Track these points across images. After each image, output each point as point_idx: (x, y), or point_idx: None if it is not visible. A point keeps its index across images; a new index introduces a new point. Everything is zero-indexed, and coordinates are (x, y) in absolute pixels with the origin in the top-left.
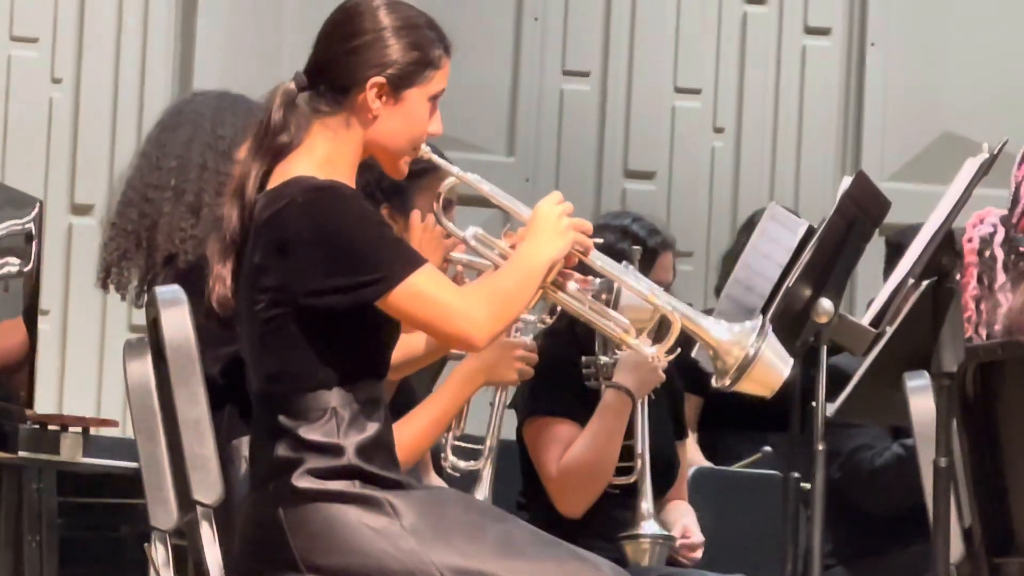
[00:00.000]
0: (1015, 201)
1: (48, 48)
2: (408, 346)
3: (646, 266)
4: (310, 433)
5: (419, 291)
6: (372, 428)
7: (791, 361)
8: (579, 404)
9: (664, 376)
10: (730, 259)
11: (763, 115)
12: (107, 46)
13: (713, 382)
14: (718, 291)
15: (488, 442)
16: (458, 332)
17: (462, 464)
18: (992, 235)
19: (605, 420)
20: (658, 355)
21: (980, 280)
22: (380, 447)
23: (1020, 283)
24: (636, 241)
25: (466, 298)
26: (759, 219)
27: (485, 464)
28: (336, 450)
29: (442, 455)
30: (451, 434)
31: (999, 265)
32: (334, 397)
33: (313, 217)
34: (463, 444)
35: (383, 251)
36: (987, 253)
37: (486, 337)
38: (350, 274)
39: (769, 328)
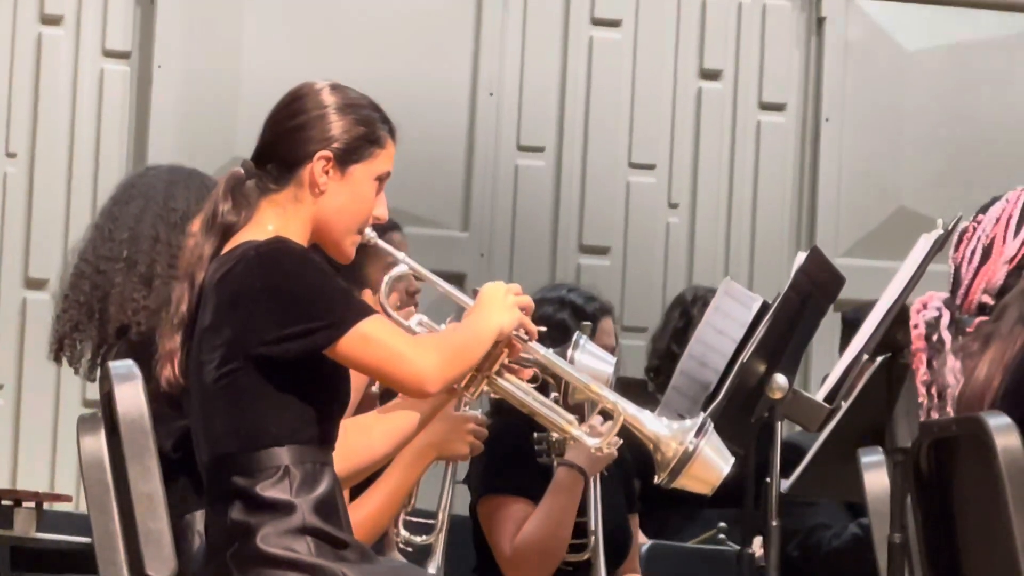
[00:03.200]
0: (956, 283)
1: (3, 123)
2: (364, 452)
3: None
4: (265, 490)
5: (369, 336)
6: (324, 486)
7: (732, 459)
8: (532, 481)
9: (616, 454)
10: (659, 339)
11: (718, 191)
12: (62, 121)
13: (655, 478)
14: (649, 371)
15: (440, 516)
16: (409, 376)
17: (416, 539)
18: (938, 319)
19: (558, 498)
20: (600, 447)
21: (930, 365)
22: (333, 506)
23: (971, 362)
24: (575, 309)
25: (418, 344)
26: (687, 297)
27: (437, 539)
28: (289, 508)
29: (393, 530)
30: (402, 510)
31: (947, 348)
32: (286, 455)
33: (262, 269)
34: (415, 519)
35: (333, 299)
36: (934, 337)
37: (438, 382)
38: (300, 321)
39: (710, 425)
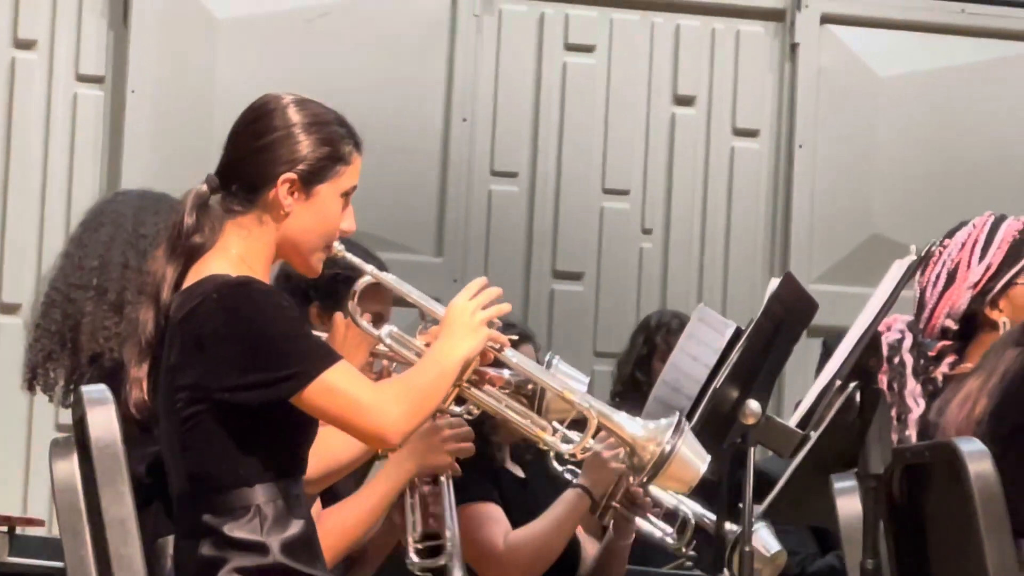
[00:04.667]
0: (921, 306)
1: None
2: (327, 455)
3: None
4: (234, 531)
5: (333, 387)
6: (297, 526)
7: (708, 458)
8: (491, 487)
9: (616, 477)
10: (623, 365)
11: (691, 216)
12: (35, 145)
13: (631, 479)
14: (613, 396)
15: (447, 535)
16: (372, 428)
17: (430, 563)
18: (900, 341)
19: (561, 511)
20: (575, 452)
21: (890, 387)
22: (304, 544)
23: (951, 393)
24: None
25: (380, 394)
26: (651, 323)
27: (451, 559)
28: (261, 548)
29: (406, 560)
30: (410, 537)
31: (908, 371)
32: (258, 494)
33: (228, 313)
34: (423, 544)
35: (298, 347)
36: (896, 360)
37: (400, 433)
38: (265, 370)
39: (686, 424)
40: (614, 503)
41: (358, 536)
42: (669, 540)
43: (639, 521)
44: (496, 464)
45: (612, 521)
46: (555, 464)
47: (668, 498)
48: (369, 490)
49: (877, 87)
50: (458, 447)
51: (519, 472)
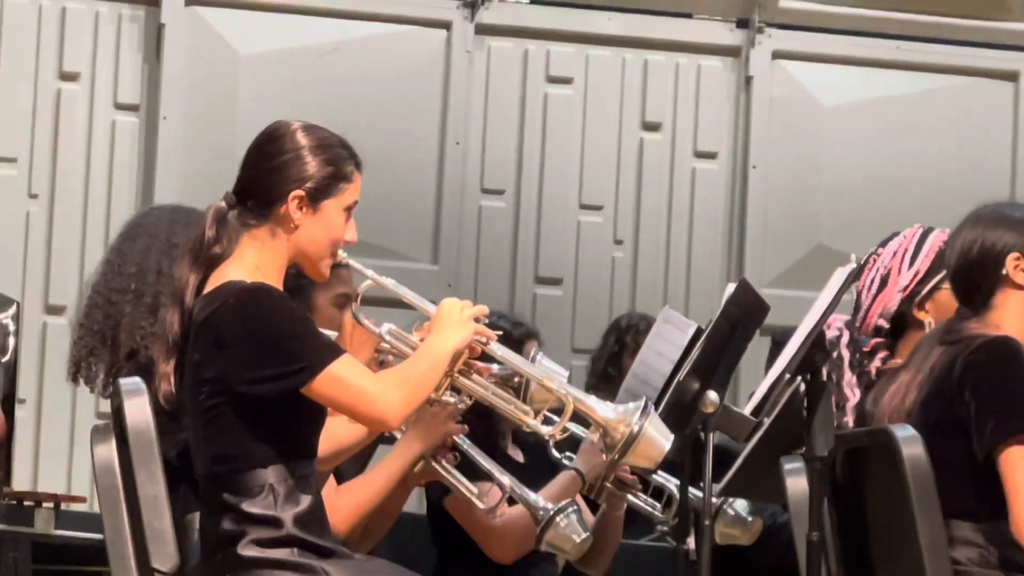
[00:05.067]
0: (857, 307)
1: (26, 168)
2: (335, 438)
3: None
4: (251, 507)
5: (339, 378)
6: (306, 501)
7: (672, 437)
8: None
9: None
10: (597, 361)
11: (658, 229)
12: (78, 166)
13: (585, 463)
14: (588, 389)
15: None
16: (374, 414)
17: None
18: (839, 338)
19: (555, 490)
20: (553, 434)
21: (829, 378)
22: (314, 518)
23: (886, 385)
24: (505, 334)
25: (380, 384)
26: (621, 324)
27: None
28: (275, 522)
29: (479, 507)
30: (466, 486)
31: (846, 364)
32: (270, 475)
33: (244, 316)
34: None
35: (307, 344)
36: (835, 354)
37: (399, 417)
38: (278, 365)
39: (651, 407)
40: (607, 484)
41: (370, 509)
42: (657, 514)
43: (629, 497)
44: (499, 451)
45: (605, 498)
46: (554, 452)
47: (657, 477)
48: (379, 470)
49: (822, 115)
50: (452, 428)
51: (520, 458)
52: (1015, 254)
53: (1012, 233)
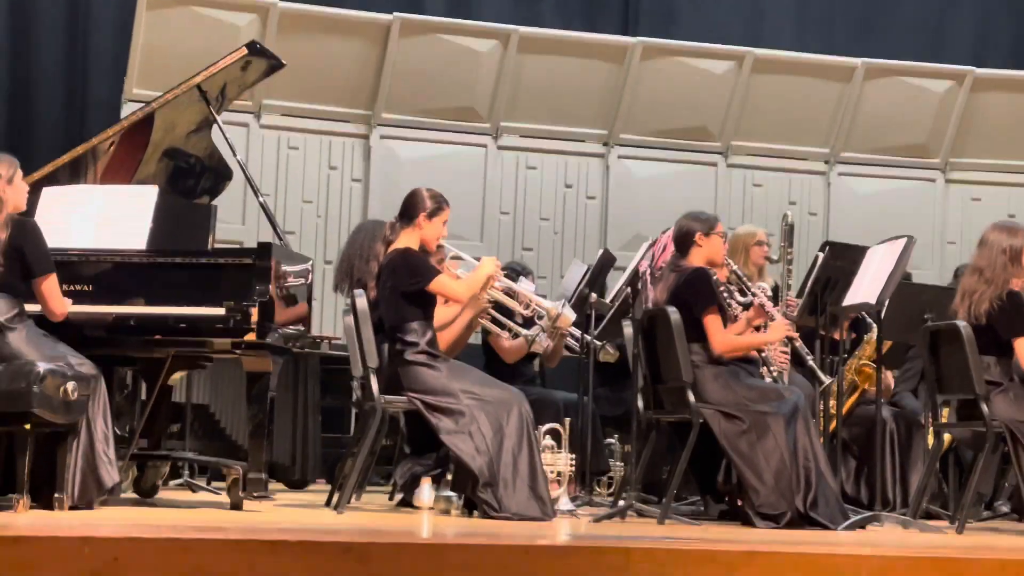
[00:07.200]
0: (653, 258)
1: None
2: (441, 316)
3: (513, 279)
4: (407, 336)
5: (441, 282)
6: (429, 334)
7: (575, 314)
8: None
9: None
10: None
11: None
12: (334, 198)
13: (543, 323)
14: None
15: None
16: (456, 296)
17: (530, 333)
18: (651, 266)
19: (520, 343)
20: (524, 312)
21: (644, 287)
22: (433, 342)
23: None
24: (511, 268)
25: (458, 285)
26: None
27: (540, 330)
28: (416, 344)
29: (528, 341)
30: (513, 333)
31: (648, 283)
32: (415, 325)
33: (402, 260)
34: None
35: (429, 269)
36: (647, 277)
37: (465, 299)
38: (416, 278)
39: (567, 302)
40: (555, 327)
41: (455, 339)
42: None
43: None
44: (527, 373)
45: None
46: (521, 326)
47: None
48: (459, 321)
49: None
50: (485, 306)
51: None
52: (699, 234)
53: (698, 222)
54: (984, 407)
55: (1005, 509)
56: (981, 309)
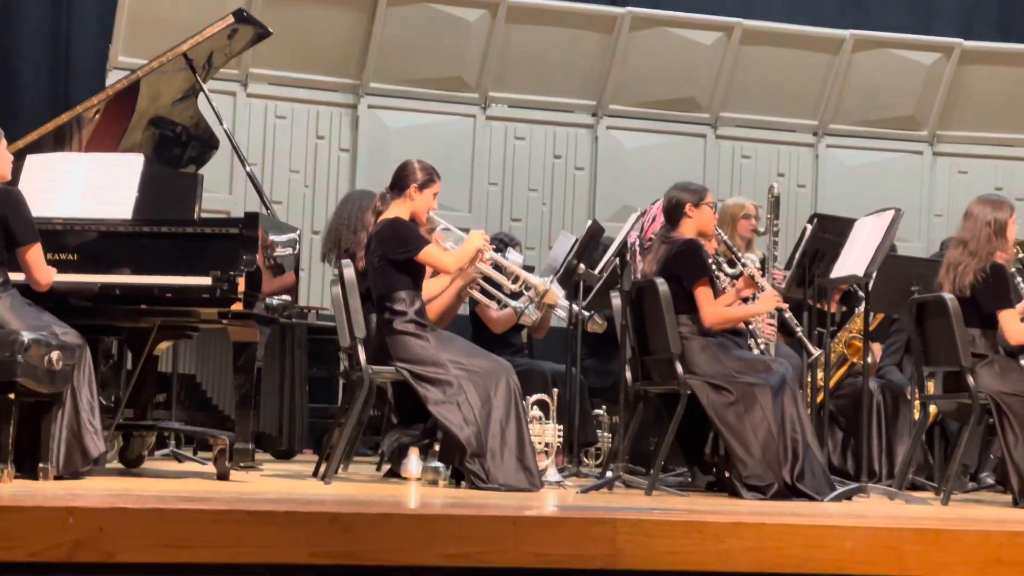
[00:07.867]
0: (642, 229)
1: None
2: (429, 288)
3: (501, 250)
4: (395, 305)
5: (430, 251)
6: (418, 304)
7: (564, 291)
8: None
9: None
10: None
11: None
12: (321, 165)
13: (532, 296)
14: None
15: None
16: (444, 267)
17: (518, 304)
18: (640, 237)
19: (507, 313)
20: (511, 286)
21: (633, 259)
22: (422, 312)
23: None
24: (500, 240)
25: (447, 256)
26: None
27: (528, 302)
28: (405, 313)
29: (517, 315)
30: (500, 305)
31: (638, 254)
32: (404, 294)
33: (392, 229)
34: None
35: (419, 239)
36: (636, 248)
37: (454, 270)
38: (406, 247)
39: (555, 278)
40: (543, 302)
41: (444, 309)
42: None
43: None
44: (515, 344)
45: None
46: (519, 303)
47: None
48: (448, 291)
49: None
50: (474, 276)
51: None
52: (689, 205)
53: (688, 193)
54: (969, 379)
55: (990, 481)
56: (965, 281)
